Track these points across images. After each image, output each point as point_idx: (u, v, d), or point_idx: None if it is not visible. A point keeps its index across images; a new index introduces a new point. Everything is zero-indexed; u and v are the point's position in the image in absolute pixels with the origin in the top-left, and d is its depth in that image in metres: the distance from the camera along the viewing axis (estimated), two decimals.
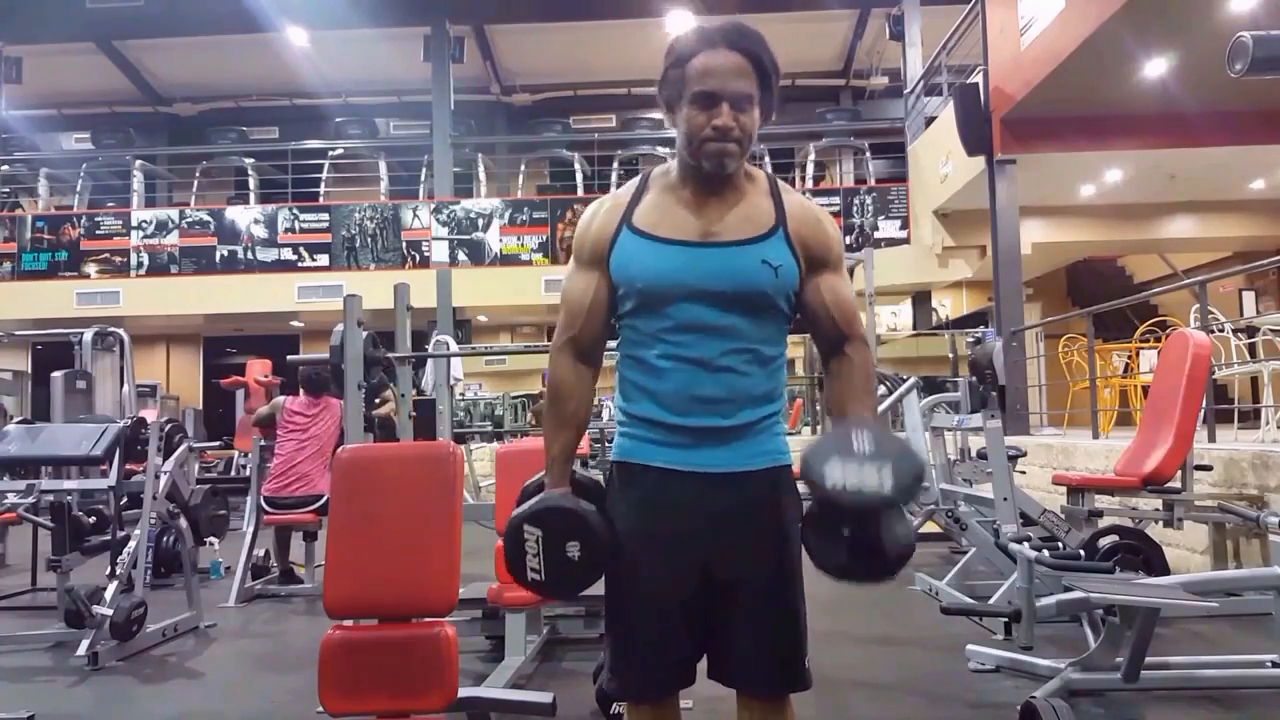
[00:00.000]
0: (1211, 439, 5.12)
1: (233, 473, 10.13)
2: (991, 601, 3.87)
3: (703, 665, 1.61)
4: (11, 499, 4.31)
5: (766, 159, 12.79)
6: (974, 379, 6.75)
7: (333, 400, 5.48)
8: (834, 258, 1.62)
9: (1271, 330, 6.82)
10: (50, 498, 4.39)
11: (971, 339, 10.99)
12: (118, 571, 3.98)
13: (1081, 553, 3.65)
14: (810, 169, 13.16)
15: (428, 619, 2.10)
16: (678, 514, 1.55)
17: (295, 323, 14.18)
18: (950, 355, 11.56)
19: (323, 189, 13.18)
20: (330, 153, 13.34)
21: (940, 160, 10.33)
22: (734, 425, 1.55)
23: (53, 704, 3.30)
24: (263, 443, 5.68)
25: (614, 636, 1.61)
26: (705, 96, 1.50)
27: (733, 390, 1.54)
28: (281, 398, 5.74)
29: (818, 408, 10.85)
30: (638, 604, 1.57)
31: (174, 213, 12.91)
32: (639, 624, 1.57)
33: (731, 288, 1.53)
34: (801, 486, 1.59)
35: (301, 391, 5.63)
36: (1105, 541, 4.06)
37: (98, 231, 12.72)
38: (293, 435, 5.46)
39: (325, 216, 12.65)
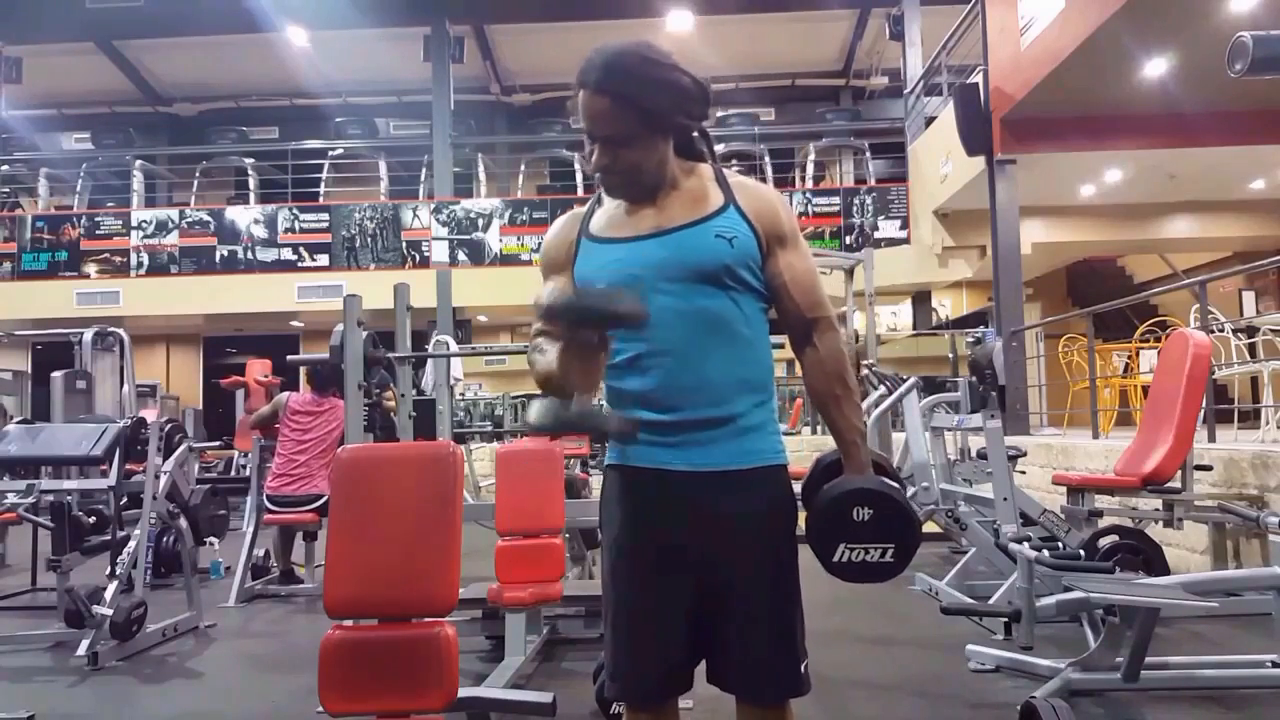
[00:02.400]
0: (1211, 439, 5.12)
1: (233, 473, 10.12)
2: (991, 601, 3.87)
3: (702, 668, 1.61)
4: (11, 499, 4.31)
5: (767, 159, 12.81)
6: (974, 379, 6.76)
7: (337, 400, 5.48)
8: (787, 230, 1.58)
9: (1271, 330, 6.83)
10: (50, 498, 4.40)
11: (971, 339, 11.00)
12: (118, 571, 3.98)
13: (1081, 553, 3.65)
14: (810, 169, 13.16)
15: (428, 619, 2.10)
16: (673, 517, 1.54)
17: (295, 323, 14.18)
18: (950, 355, 11.57)
19: (323, 189, 13.18)
20: (330, 153, 13.36)
21: (940, 160, 10.33)
22: (725, 415, 1.53)
23: (53, 704, 3.30)
24: (263, 443, 5.68)
25: (613, 641, 1.60)
26: (587, 135, 1.53)
27: (716, 375, 1.52)
28: (285, 394, 5.73)
29: None
30: (636, 609, 1.57)
31: (174, 213, 12.92)
32: (637, 629, 1.56)
33: (691, 267, 1.51)
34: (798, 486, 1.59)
35: (309, 388, 5.63)
36: (1105, 541, 4.06)
37: (98, 231, 12.72)
38: (295, 433, 5.45)
39: (325, 216, 12.65)
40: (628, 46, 1.51)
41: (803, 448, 9.30)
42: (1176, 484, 4.04)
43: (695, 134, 1.61)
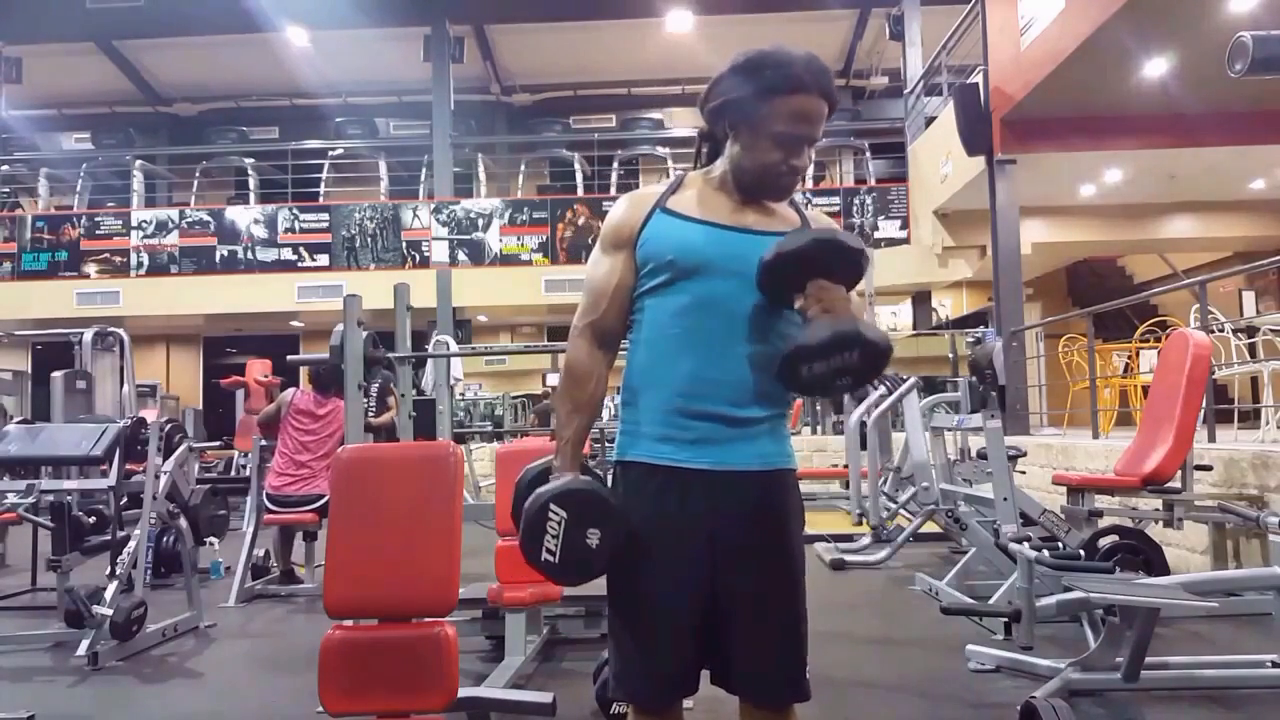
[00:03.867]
0: (1211, 439, 5.12)
1: (233, 473, 10.12)
2: (991, 601, 3.87)
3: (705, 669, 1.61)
4: (11, 499, 4.31)
5: None
6: (974, 379, 6.76)
7: (340, 401, 5.47)
8: None
9: (1271, 330, 6.82)
10: (50, 498, 4.39)
11: (971, 339, 11.00)
12: (118, 571, 3.98)
13: (1081, 553, 3.66)
14: (810, 169, 13.14)
15: (428, 619, 2.10)
16: (683, 518, 1.54)
17: (295, 323, 14.18)
18: (950, 355, 11.57)
19: (323, 189, 13.19)
20: (330, 153, 13.36)
21: (940, 160, 10.33)
22: (741, 417, 1.55)
23: (53, 704, 3.30)
24: (263, 443, 5.68)
25: (618, 643, 1.59)
26: (793, 140, 1.55)
27: (744, 377, 1.55)
28: (289, 391, 5.71)
29: (818, 408, 10.85)
30: (643, 610, 1.56)
31: (174, 213, 12.92)
32: (644, 631, 1.56)
33: (754, 270, 1.54)
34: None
35: (311, 387, 5.62)
36: (1105, 541, 4.06)
37: (98, 231, 12.73)
38: (297, 433, 5.45)
39: (325, 216, 12.66)
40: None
41: (803, 448, 9.31)
42: (1176, 484, 4.04)
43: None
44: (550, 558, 1.52)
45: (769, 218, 1.61)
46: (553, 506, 1.51)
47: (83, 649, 3.73)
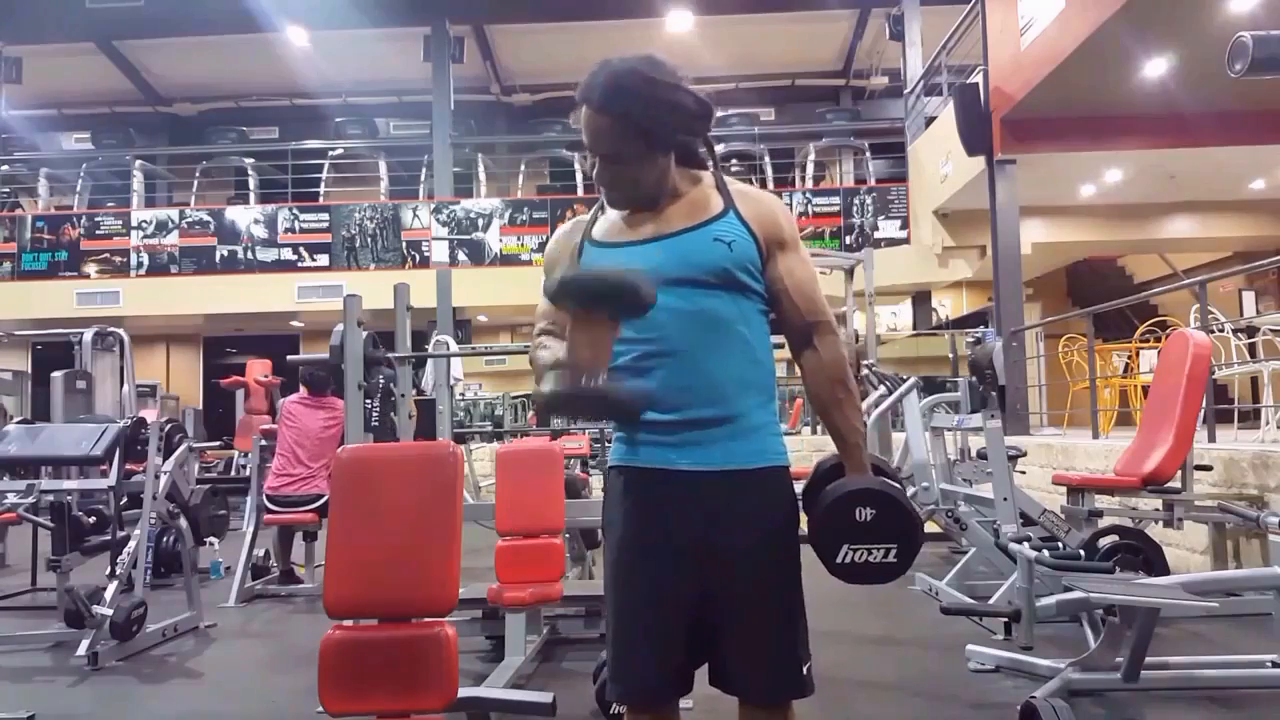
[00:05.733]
0: (1211, 439, 5.12)
1: (233, 473, 10.13)
2: (991, 601, 3.87)
3: (703, 669, 1.61)
4: (11, 499, 4.31)
5: (767, 159, 12.81)
6: (974, 379, 6.76)
7: (334, 400, 5.48)
8: (787, 236, 1.61)
9: (1271, 330, 6.82)
10: (50, 498, 4.39)
11: (971, 339, 11.00)
12: (118, 571, 3.98)
13: (1081, 553, 3.65)
14: (810, 169, 13.16)
15: (428, 619, 2.10)
16: (675, 518, 1.54)
17: (295, 323, 14.18)
18: (950, 355, 11.57)
19: (323, 189, 13.19)
20: (330, 153, 13.35)
21: (940, 160, 10.33)
22: (727, 415, 1.54)
23: (53, 704, 3.30)
24: (263, 443, 5.68)
25: (616, 642, 1.60)
26: (588, 149, 1.56)
27: (718, 374, 1.54)
28: (283, 400, 5.75)
29: None
30: (638, 611, 1.56)
31: (174, 213, 12.92)
32: (636, 631, 1.56)
33: (690, 270, 1.53)
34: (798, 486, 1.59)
35: (304, 389, 5.63)
36: (1105, 541, 4.06)
37: (98, 231, 12.72)
38: (292, 433, 5.46)
39: (325, 216, 12.65)
40: (631, 65, 1.52)
41: (803, 448, 9.30)
42: (1176, 484, 4.04)
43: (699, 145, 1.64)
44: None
45: (681, 214, 1.58)
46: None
47: (83, 649, 3.73)
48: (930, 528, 5.49)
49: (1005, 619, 2.97)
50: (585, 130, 1.53)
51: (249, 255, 12.62)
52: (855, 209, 12.21)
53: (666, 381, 1.53)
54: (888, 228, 12.11)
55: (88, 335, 8.80)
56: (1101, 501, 4.41)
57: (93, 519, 4.79)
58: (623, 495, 1.60)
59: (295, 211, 12.68)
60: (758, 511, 1.56)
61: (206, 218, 12.77)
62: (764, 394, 1.59)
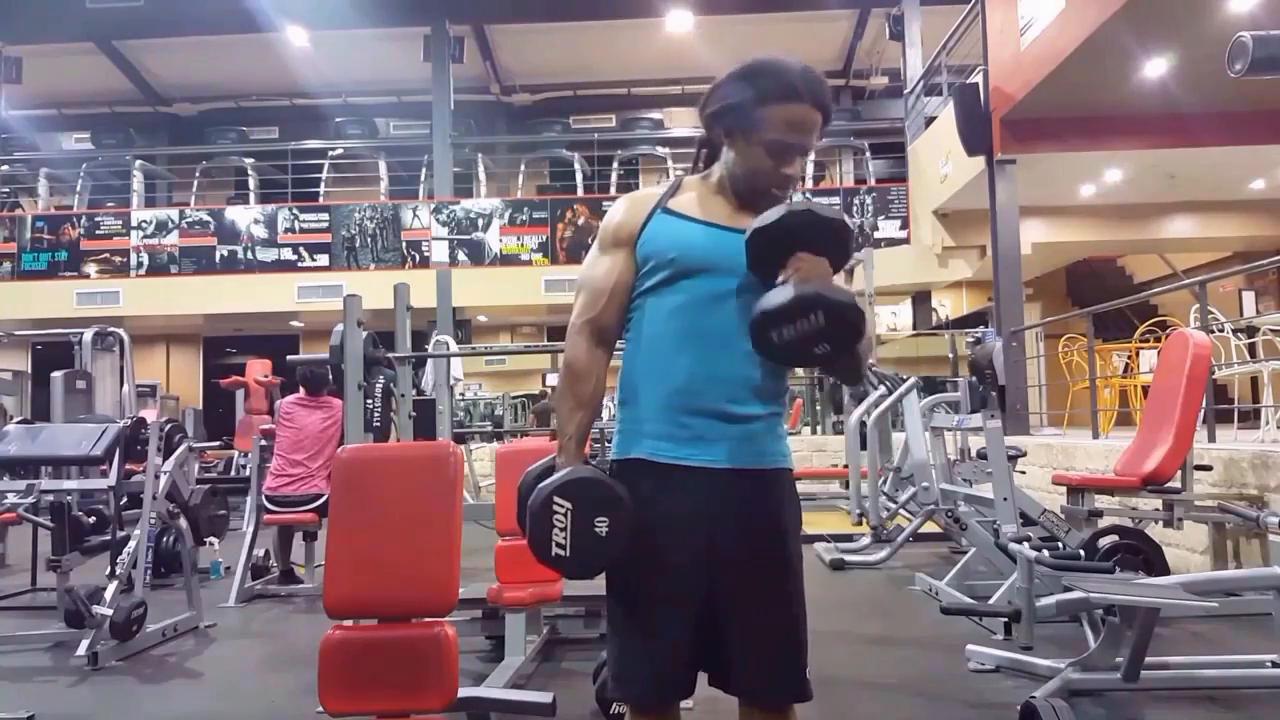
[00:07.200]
0: (1211, 439, 5.12)
1: (233, 473, 10.12)
2: (991, 601, 3.87)
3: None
4: (11, 499, 4.31)
5: None
6: (974, 379, 6.76)
7: (333, 399, 5.48)
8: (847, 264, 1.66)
9: (1271, 330, 6.82)
10: (50, 498, 4.39)
11: (971, 339, 11.00)
12: (118, 571, 3.98)
13: (1081, 553, 3.66)
14: (810, 169, 13.15)
15: (428, 619, 2.10)
16: (681, 516, 1.54)
17: (295, 323, 14.18)
18: (950, 355, 11.57)
19: (323, 189, 13.18)
20: (330, 153, 13.35)
21: (940, 160, 10.33)
22: (740, 414, 1.55)
23: (53, 704, 3.30)
24: (263, 443, 5.68)
25: (617, 643, 1.60)
26: (785, 148, 1.56)
27: (742, 374, 1.55)
28: (280, 401, 5.75)
29: (818, 408, 10.85)
30: (640, 610, 1.56)
31: (174, 213, 12.91)
32: (642, 631, 1.56)
33: (743, 264, 1.55)
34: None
35: (301, 390, 5.64)
36: (1105, 541, 4.06)
37: (98, 231, 12.72)
38: (290, 433, 5.46)
39: (325, 216, 12.65)
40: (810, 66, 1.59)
41: (803, 447, 9.30)
42: (1176, 484, 4.04)
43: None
44: (561, 551, 1.51)
45: (742, 215, 1.60)
46: (557, 499, 1.50)
47: (83, 649, 3.73)
48: (930, 528, 5.50)
49: (1005, 619, 2.97)
50: (795, 125, 1.55)
51: (249, 255, 12.62)
52: (855, 209, 12.21)
53: (693, 364, 1.55)
54: (887, 228, 12.12)
55: (88, 335, 8.80)
56: (1101, 501, 4.41)
57: (93, 519, 4.79)
58: (628, 490, 1.59)
59: (295, 211, 12.68)
60: (766, 511, 1.57)
61: (206, 218, 12.77)
62: (778, 401, 1.62)
